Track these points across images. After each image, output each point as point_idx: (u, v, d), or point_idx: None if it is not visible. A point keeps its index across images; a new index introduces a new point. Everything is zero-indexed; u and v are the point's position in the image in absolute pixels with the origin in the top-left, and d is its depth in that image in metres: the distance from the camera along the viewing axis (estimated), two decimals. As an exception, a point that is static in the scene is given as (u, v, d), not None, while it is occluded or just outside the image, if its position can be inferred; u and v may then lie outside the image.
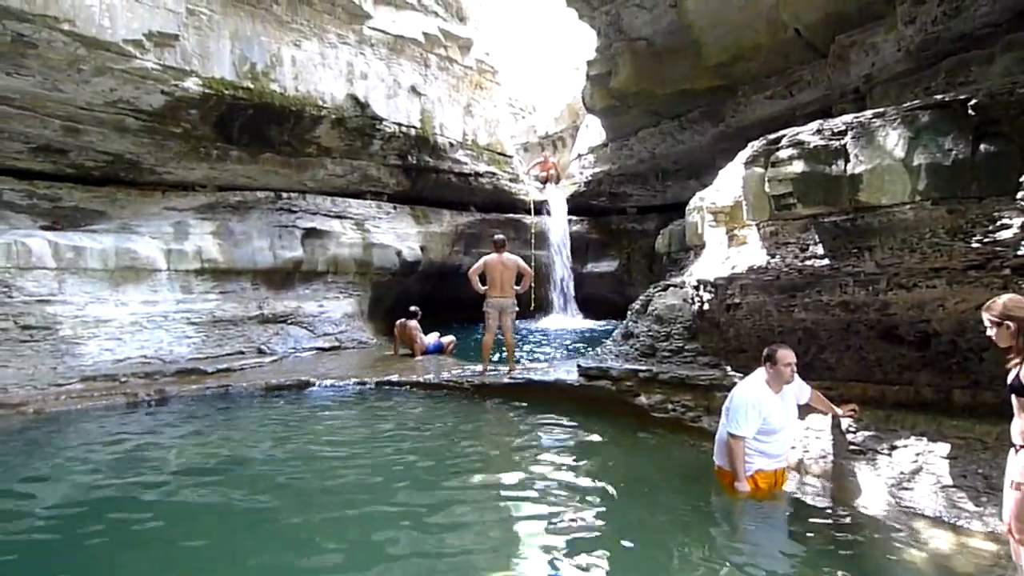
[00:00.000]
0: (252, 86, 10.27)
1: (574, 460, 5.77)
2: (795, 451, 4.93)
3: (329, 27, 11.57)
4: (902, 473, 4.28)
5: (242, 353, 10.73)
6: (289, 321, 11.99)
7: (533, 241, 16.31)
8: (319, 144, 12.07)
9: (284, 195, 12.61)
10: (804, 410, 4.88)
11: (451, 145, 14.43)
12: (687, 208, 7.95)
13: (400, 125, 12.99)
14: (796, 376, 4.62)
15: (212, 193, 11.91)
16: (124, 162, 10.53)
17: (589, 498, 4.82)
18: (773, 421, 4.48)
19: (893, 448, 4.42)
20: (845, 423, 4.78)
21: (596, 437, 6.40)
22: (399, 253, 13.77)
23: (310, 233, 12.61)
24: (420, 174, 14.36)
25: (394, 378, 9.03)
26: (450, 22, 14.20)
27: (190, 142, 10.56)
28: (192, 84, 9.42)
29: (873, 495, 4.37)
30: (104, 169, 10.58)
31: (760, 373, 4.63)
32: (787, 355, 4.51)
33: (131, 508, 4.67)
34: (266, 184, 12.39)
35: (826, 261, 4.68)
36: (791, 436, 4.78)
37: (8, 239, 9.07)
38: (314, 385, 8.85)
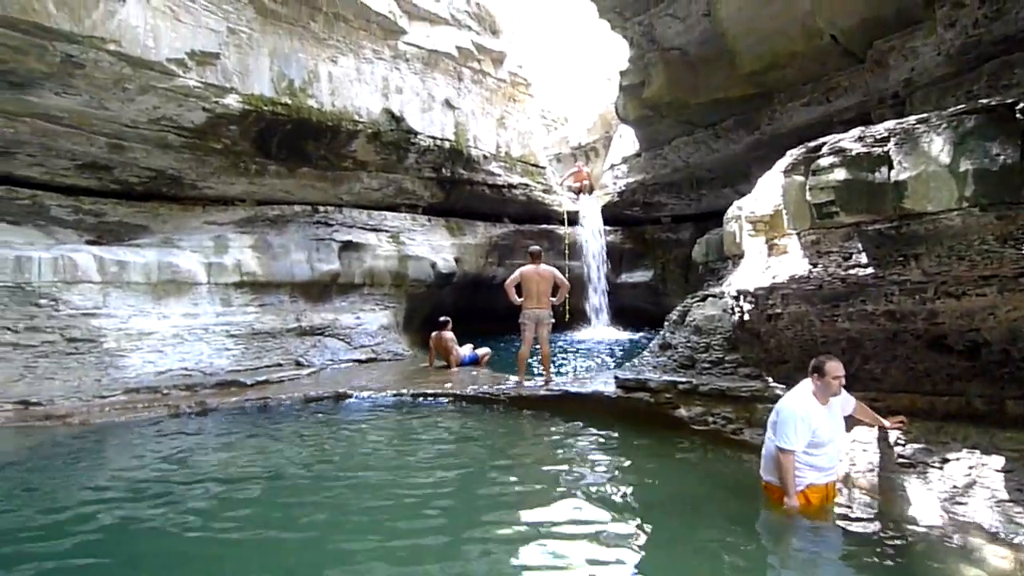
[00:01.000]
0: (290, 102, 10.47)
1: (612, 474, 5.71)
2: (842, 464, 4.83)
3: (365, 43, 11.76)
4: (955, 487, 4.17)
5: (280, 365, 10.88)
6: (326, 333, 12.13)
7: (567, 252, 16.29)
8: (355, 158, 12.24)
9: (321, 209, 12.81)
10: (849, 422, 4.78)
11: (484, 157, 14.52)
12: (725, 217, 7.87)
13: (434, 138, 13.12)
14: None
15: (251, 207, 12.14)
16: (166, 178, 10.80)
17: (628, 513, 4.76)
18: (822, 433, 4.38)
19: (945, 461, 4.30)
20: (893, 435, 4.67)
21: (635, 450, 6.34)
22: (434, 265, 13.87)
23: (347, 246, 12.78)
24: (454, 186, 14.47)
25: (430, 390, 9.05)
26: (483, 36, 14.32)
27: (230, 157, 10.79)
28: (232, 101, 9.64)
29: (925, 510, 4.25)
30: (147, 185, 10.86)
31: (806, 385, 4.53)
32: (836, 367, 4.40)
33: (170, 520, 4.72)
34: (303, 198, 12.60)
35: (870, 270, 4.59)
36: (840, 448, 4.68)
37: (55, 253, 9.36)
38: (351, 397, 8.91)
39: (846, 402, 4.66)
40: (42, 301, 9.08)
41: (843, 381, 4.44)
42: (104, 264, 9.73)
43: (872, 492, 4.68)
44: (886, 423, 4.73)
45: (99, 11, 7.67)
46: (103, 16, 7.73)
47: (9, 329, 8.73)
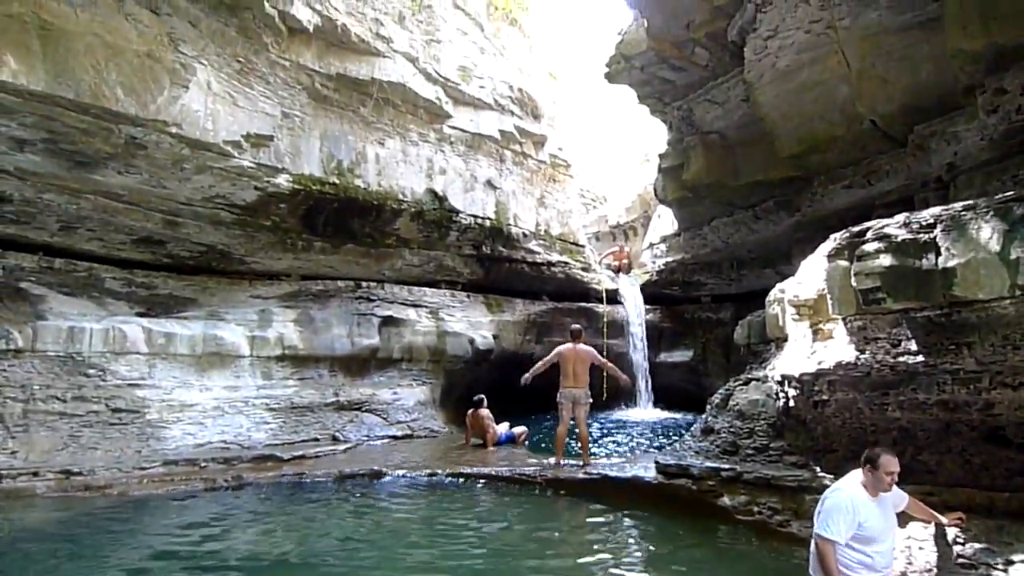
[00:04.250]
0: (338, 182, 10.83)
1: (651, 565, 5.49)
2: (897, 562, 4.56)
3: (411, 126, 12.20)
4: (1022, 593, 3.91)
5: (317, 440, 10.86)
6: (364, 408, 12.12)
7: (606, 330, 16.19)
8: (398, 235, 12.52)
9: (363, 284, 13.04)
10: (902, 518, 4.54)
11: (524, 235, 14.72)
12: (767, 300, 7.78)
13: (476, 217, 13.39)
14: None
15: (295, 282, 12.43)
16: (216, 252, 11.16)
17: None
18: (871, 527, 4.10)
19: (1009, 563, 4.05)
20: (951, 533, 4.43)
21: (675, 539, 6.11)
22: (472, 341, 13.90)
23: (387, 321, 12.92)
24: (493, 263, 14.64)
25: (466, 470, 8.90)
26: (525, 120, 14.74)
27: (278, 234, 11.13)
28: (283, 180, 10.00)
29: (990, 616, 3.99)
30: (198, 259, 11.23)
31: (856, 475, 4.30)
32: (890, 462, 4.10)
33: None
34: (347, 273, 12.87)
35: (921, 358, 4.47)
36: (893, 546, 4.42)
37: (106, 325, 9.67)
38: (387, 475, 8.79)
39: (898, 498, 4.42)
40: (91, 371, 9.31)
41: (896, 478, 4.21)
42: (152, 336, 10.00)
43: (932, 594, 4.41)
44: (943, 520, 4.49)
45: (163, 96, 8.14)
46: (167, 101, 8.19)
47: (57, 399, 8.93)
